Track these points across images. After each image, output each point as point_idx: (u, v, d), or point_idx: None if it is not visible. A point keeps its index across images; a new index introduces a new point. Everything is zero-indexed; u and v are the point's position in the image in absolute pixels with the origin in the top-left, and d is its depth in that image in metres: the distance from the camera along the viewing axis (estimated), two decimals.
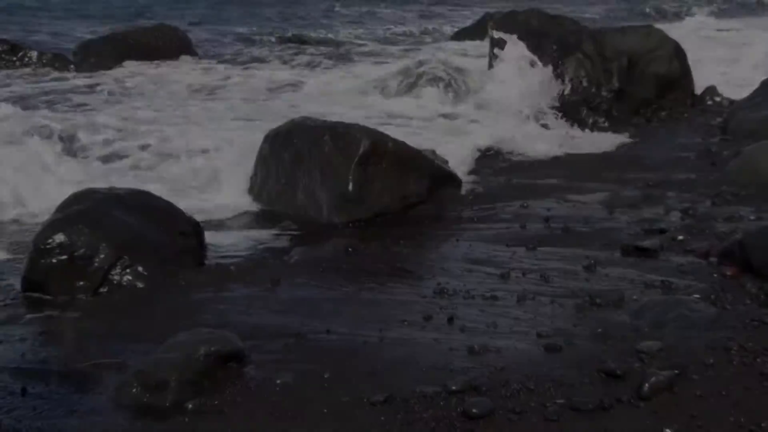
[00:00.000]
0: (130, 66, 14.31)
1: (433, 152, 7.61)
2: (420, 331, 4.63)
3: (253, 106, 11.37)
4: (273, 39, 18.27)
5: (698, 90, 11.26)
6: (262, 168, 7.33)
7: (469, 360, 4.27)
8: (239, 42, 17.88)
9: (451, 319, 4.75)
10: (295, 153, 7.08)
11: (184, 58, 15.10)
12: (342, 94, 12.10)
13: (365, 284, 5.40)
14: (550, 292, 5.19)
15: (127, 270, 5.43)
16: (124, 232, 5.58)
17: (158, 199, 6.01)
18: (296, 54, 16.49)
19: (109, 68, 14.08)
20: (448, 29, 20.88)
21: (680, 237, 5.99)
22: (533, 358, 4.28)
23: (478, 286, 5.28)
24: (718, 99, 10.93)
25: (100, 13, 21.61)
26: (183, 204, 6.26)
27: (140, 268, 5.45)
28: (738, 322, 4.58)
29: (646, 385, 3.86)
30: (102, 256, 5.43)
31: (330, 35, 19.41)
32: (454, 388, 3.94)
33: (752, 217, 6.28)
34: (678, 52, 11.21)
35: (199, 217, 6.32)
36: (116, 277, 5.40)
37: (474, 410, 3.75)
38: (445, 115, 10.53)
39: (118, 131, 9.44)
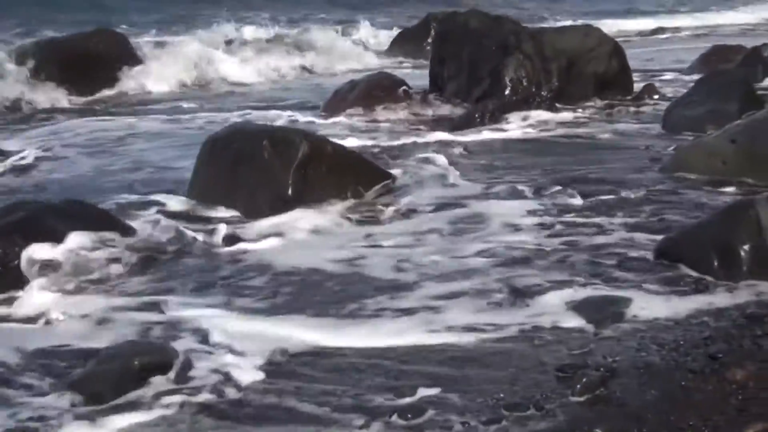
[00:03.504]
0: None
1: (372, 153, 7.64)
2: None
3: None
4: None
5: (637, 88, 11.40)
6: (202, 172, 7.29)
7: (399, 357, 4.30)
8: None
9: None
10: (235, 157, 7.06)
11: None
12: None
13: None
14: (470, 287, 5.24)
15: None
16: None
17: (93, 207, 5.97)
18: None
19: None
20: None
21: (616, 232, 6.06)
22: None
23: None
24: (656, 97, 11.06)
25: None
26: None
27: None
28: (672, 321, 4.64)
29: (578, 385, 3.91)
30: None
31: None
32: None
33: (687, 214, 6.36)
34: (617, 51, 11.33)
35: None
36: None
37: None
38: None
39: None
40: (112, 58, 14.74)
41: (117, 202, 7.09)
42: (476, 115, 9.84)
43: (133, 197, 7.30)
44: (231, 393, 4.07)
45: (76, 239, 5.63)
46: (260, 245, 6.16)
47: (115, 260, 5.71)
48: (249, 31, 19.19)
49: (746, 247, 5.09)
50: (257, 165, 6.90)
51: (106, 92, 14.09)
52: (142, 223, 6.35)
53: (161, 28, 19.93)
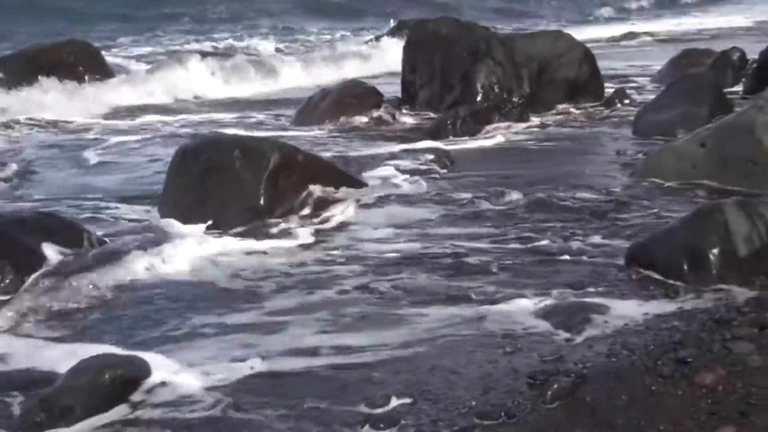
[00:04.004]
0: None
1: (344, 161, 7.63)
2: None
3: None
4: None
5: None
6: (173, 183, 7.26)
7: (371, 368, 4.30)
8: None
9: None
10: (206, 168, 7.04)
11: None
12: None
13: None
14: (441, 295, 5.27)
15: None
16: (27, 255, 5.49)
17: (63, 219, 5.94)
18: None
19: None
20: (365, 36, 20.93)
21: (587, 239, 6.09)
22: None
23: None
24: (626, 101, 11.12)
25: None
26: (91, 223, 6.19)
27: None
28: (643, 326, 4.67)
29: (549, 392, 3.92)
30: (7, 281, 5.39)
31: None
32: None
33: (657, 219, 6.39)
34: (587, 56, 11.40)
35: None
36: None
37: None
38: None
39: None
40: (82, 70, 14.66)
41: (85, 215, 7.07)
42: (448, 122, 9.85)
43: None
44: (199, 407, 4.06)
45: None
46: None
47: None
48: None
49: (715, 251, 5.12)
50: (228, 175, 6.88)
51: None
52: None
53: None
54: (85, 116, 12.28)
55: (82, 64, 14.81)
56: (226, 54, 17.73)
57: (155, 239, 6.32)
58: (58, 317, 5.19)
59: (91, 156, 9.75)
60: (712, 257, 5.12)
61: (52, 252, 5.68)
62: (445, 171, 8.35)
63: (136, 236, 6.41)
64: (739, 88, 11.36)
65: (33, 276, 5.49)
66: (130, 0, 24.89)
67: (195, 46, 18.71)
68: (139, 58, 16.87)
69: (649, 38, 18.78)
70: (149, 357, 4.43)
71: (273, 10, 24.58)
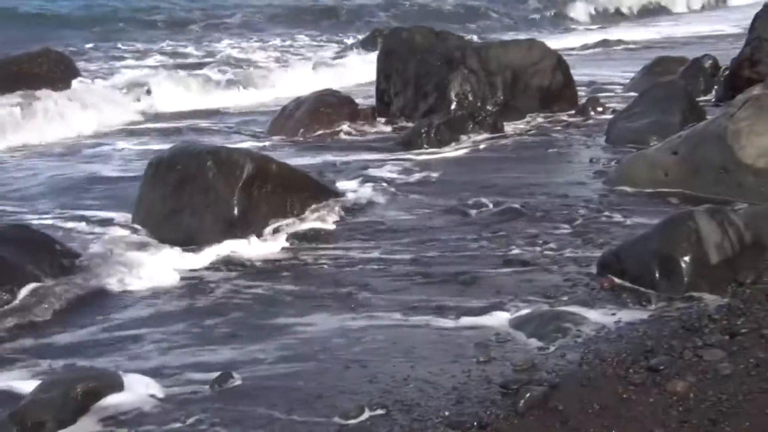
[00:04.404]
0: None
1: (319, 171, 7.63)
2: None
3: None
4: None
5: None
6: (147, 193, 7.24)
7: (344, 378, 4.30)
8: None
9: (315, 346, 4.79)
10: (180, 178, 7.02)
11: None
12: None
13: None
14: (415, 303, 5.30)
15: None
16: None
17: (35, 231, 5.91)
18: None
19: None
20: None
21: (561, 248, 6.12)
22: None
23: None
24: (600, 109, 11.16)
25: None
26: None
27: None
28: (615, 334, 4.69)
29: (522, 401, 3.93)
30: None
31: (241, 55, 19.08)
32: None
33: (629, 227, 6.42)
34: (560, 64, 11.45)
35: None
36: None
37: None
38: None
39: None
40: (56, 79, 14.57)
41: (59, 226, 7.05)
42: (422, 131, 9.87)
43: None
44: (171, 419, 4.05)
45: None
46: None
47: None
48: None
49: (686, 259, 5.16)
50: (202, 186, 6.87)
51: None
52: None
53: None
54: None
55: (56, 73, 14.70)
56: (200, 63, 17.69)
57: (127, 252, 6.31)
58: (26, 330, 5.17)
59: (57, 167, 9.69)
60: (683, 265, 5.15)
61: (22, 265, 5.64)
62: (418, 180, 8.35)
63: (109, 249, 6.37)
64: (711, 95, 11.42)
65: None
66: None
67: (165, 59, 18.55)
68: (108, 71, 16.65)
69: (622, 46, 18.86)
70: (119, 371, 4.42)
71: (245, 16, 24.50)
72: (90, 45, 19.79)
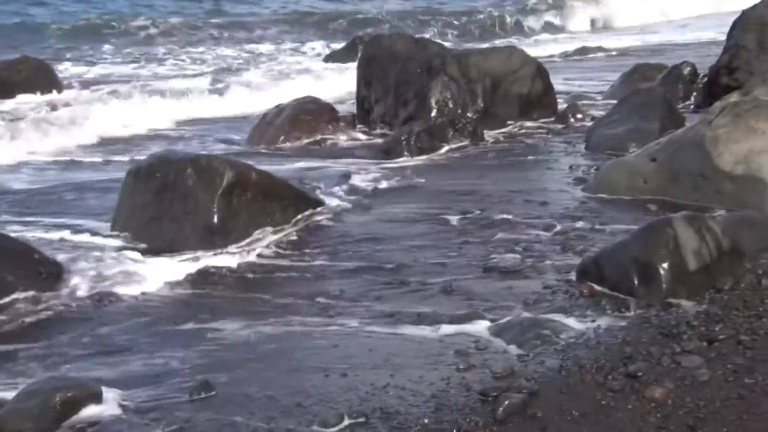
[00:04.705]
0: None
1: (299, 179, 7.63)
2: None
3: None
4: None
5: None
6: (127, 202, 7.22)
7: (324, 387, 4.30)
8: None
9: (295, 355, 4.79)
10: (159, 187, 7.01)
11: None
12: None
13: None
14: (393, 312, 5.30)
15: None
16: None
17: (14, 240, 5.89)
18: None
19: None
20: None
21: (541, 255, 6.14)
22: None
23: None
24: (579, 116, 11.19)
25: None
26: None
27: None
28: (594, 340, 4.71)
29: (501, 408, 3.94)
30: None
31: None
32: None
33: (608, 234, 6.45)
34: (540, 72, 11.48)
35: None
36: None
37: None
38: None
39: None
40: (35, 87, 14.54)
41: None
42: (403, 138, 9.88)
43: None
44: (151, 429, 4.04)
45: None
46: None
47: None
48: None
49: (665, 265, 5.18)
50: (181, 193, 6.86)
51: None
52: None
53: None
54: None
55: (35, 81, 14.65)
56: (181, 71, 17.66)
57: (105, 260, 6.29)
58: (3, 339, 5.15)
59: (37, 178, 9.64)
60: (662, 271, 5.17)
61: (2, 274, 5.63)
62: (398, 188, 8.35)
63: (88, 258, 6.35)
64: (690, 102, 11.47)
65: None
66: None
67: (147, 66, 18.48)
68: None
69: (602, 53, 18.93)
70: (97, 381, 4.41)
71: (224, 28, 24.41)
72: (69, 53, 19.71)
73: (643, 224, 5.67)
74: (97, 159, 10.45)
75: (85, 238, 6.96)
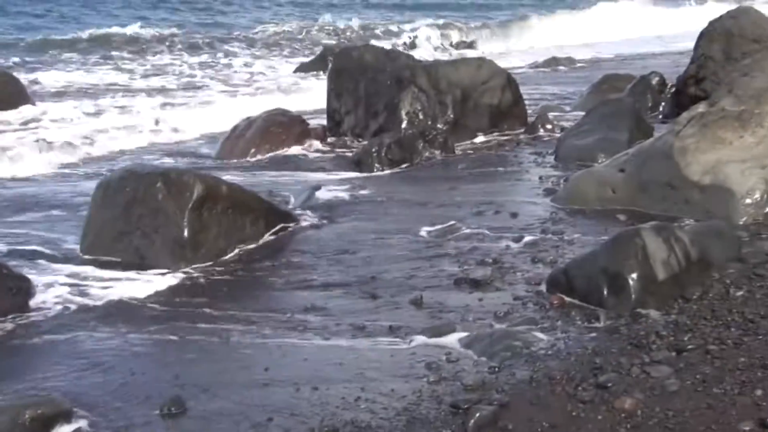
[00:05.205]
0: None
1: (270, 192, 7.61)
2: None
3: None
4: None
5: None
6: (96, 216, 7.19)
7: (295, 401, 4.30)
8: None
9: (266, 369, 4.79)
10: (129, 200, 6.98)
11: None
12: None
13: None
14: (366, 323, 5.33)
15: None
16: None
17: None
18: None
19: None
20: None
21: (511, 266, 6.16)
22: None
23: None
24: (549, 127, 11.22)
25: None
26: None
27: None
28: (564, 352, 4.73)
29: (472, 420, 3.95)
30: None
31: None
32: None
33: (578, 245, 6.48)
34: (510, 83, 11.52)
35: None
36: None
37: None
38: None
39: None
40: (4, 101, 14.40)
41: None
42: (373, 150, 9.89)
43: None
44: None
45: None
46: None
47: None
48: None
49: (634, 276, 5.21)
50: (151, 207, 6.83)
51: None
52: None
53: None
54: None
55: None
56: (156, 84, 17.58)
57: (75, 276, 6.27)
58: None
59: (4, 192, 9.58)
60: (630, 282, 5.20)
61: None
62: (369, 200, 8.36)
63: (57, 273, 6.32)
64: (658, 112, 11.54)
65: None
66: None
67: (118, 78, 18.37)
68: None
69: (570, 64, 19.01)
70: (67, 399, 4.39)
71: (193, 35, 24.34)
72: (38, 66, 19.57)
73: (612, 235, 5.70)
74: (68, 171, 10.39)
75: (54, 252, 6.93)
